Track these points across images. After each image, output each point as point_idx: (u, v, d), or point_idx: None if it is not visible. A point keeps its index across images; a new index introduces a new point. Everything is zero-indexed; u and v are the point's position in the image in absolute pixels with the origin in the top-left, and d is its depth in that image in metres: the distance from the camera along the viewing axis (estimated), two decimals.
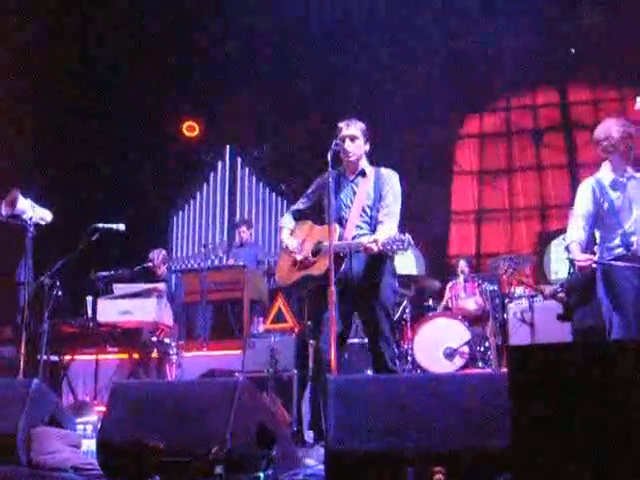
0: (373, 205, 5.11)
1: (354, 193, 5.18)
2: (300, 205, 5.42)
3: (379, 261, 5.00)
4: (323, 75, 11.79)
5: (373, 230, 5.03)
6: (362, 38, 11.17)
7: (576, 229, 5.33)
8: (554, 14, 10.94)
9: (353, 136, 5.17)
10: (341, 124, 5.22)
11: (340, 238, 4.98)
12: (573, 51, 11.44)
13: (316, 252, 5.10)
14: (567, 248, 5.44)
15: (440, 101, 11.81)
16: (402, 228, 5.04)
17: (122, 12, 11.30)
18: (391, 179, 5.18)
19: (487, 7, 10.90)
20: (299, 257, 5.16)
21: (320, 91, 11.98)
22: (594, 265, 5.21)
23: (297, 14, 11.00)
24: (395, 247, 4.62)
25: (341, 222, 5.10)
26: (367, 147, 5.26)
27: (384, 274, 5.05)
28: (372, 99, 11.56)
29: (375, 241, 4.70)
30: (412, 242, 4.62)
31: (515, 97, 12.67)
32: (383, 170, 5.24)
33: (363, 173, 5.22)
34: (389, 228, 4.88)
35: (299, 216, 5.40)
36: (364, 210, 5.12)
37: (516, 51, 11.46)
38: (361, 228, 5.09)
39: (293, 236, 5.31)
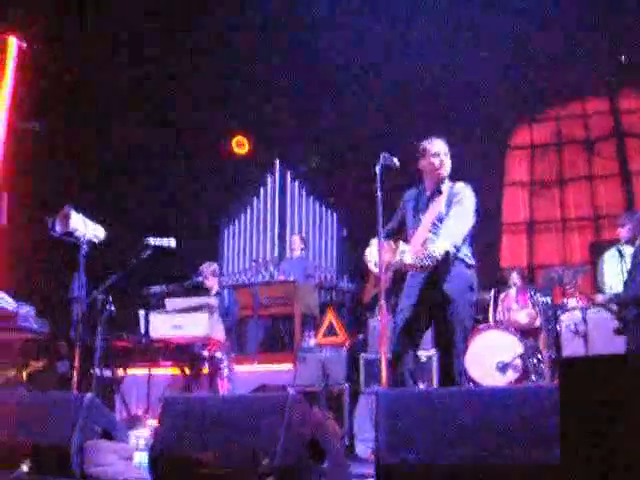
0: (444, 218, 5.13)
1: (429, 209, 5.21)
2: (389, 224, 5.46)
3: (457, 274, 5.02)
4: (372, 90, 11.80)
5: None
6: (411, 51, 11.15)
7: None
8: (603, 22, 10.81)
9: (437, 154, 5.22)
10: (426, 143, 5.27)
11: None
12: (623, 58, 11.28)
13: (388, 269, 5.14)
14: None
15: (490, 112, 11.74)
16: None
17: (172, 29, 11.44)
18: (463, 191, 5.17)
19: (535, 16, 10.82)
20: (374, 269, 5.18)
21: (370, 106, 12.00)
22: None
23: (344, 33, 11.03)
24: (425, 264, 4.63)
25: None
26: (450, 167, 5.27)
27: (461, 286, 5.05)
28: (421, 111, 11.55)
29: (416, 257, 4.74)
30: (438, 256, 4.60)
31: (565, 107, 12.53)
32: (457, 184, 5.25)
33: (440, 190, 5.24)
34: (440, 243, 4.87)
35: (392, 234, 5.40)
36: (434, 224, 5.13)
37: (565, 60, 11.35)
38: (433, 241, 5.07)
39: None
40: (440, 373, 5.14)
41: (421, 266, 4.67)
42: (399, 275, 5.04)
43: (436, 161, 5.19)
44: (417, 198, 5.31)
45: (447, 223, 5.02)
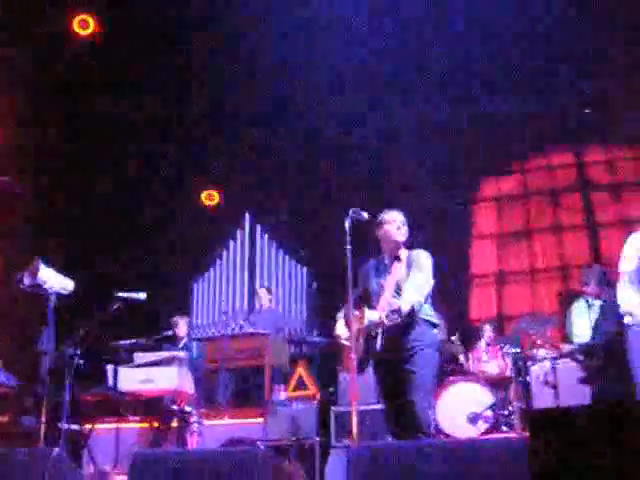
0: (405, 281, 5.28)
1: (390, 274, 5.36)
2: (354, 295, 5.54)
3: (423, 332, 5.16)
4: (342, 145, 11.92)
5: None
6: (375, 104, 11.32)
7: (625, 289, 5.18)
8: (569, 75, 11.04)
9: (393, 222, 5.42)
10: (383, 214, 5.46)
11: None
12: (588, 111, 11.49)
13: (359, 337, 5.22)
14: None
15: (456, 165, 11.89)
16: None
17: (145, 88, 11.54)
18: (419, 255, 5.38)
19: (501, 70, 11.04)
20: (347, 344, 5.26)
21: (336, 159, 12.11)
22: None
23: (318, 86, 11.18)
24: (393, 318, 4.76)
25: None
26: (406, 234, 5.46)
27: (428, 343, 5.18)
28: (388, 164, 11.70)
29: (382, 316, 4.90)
30: (403, 311, 4.73)
31: (531, 159, 12.72)
32: (414, 250, 5.45)
33: (398, 257, 5.42)
34: (405, 298, 5.05)
35: (357, 304, 5.47)
36: (398, 287, 5.27)
37: (531, 112, 11.54)
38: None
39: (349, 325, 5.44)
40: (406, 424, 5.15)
41: (390, 321, 4.78)
42: (371, 340, 5.11)
43: (392, 229, 5.41)
44: (377, 267, 5.50)
45: (409, 283, 5.20)
